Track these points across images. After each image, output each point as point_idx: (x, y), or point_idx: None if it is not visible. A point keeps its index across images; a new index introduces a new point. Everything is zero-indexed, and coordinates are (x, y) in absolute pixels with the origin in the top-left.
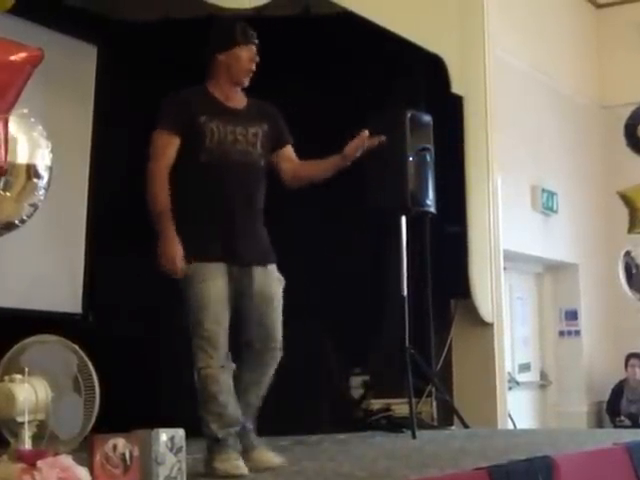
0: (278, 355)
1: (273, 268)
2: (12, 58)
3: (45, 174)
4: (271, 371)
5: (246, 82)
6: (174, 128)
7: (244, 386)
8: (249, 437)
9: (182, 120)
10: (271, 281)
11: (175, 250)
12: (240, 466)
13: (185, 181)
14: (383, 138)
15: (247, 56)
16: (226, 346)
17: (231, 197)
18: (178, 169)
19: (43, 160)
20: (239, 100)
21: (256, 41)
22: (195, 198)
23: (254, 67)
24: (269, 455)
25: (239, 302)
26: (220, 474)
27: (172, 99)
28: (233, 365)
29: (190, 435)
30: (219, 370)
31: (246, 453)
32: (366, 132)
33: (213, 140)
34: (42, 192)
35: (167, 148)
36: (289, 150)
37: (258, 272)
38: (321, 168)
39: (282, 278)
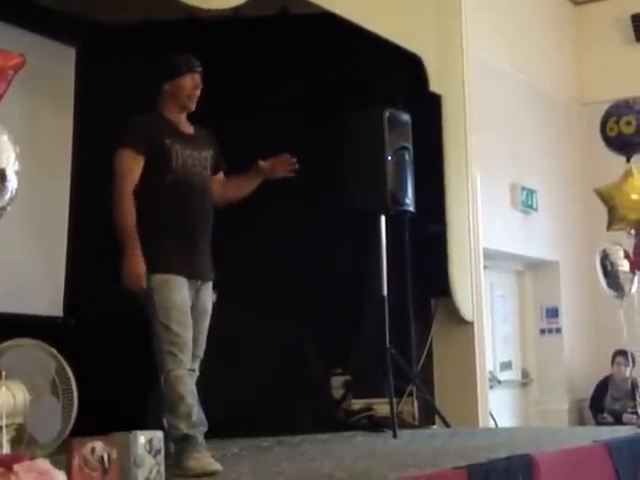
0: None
1: (210, 284)
2: None
3: (13, 179)
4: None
5: (192, 107)
6: (140, 148)
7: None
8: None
9: (148, 141)
10: (209, 297)
11: (139, 268)
12: (214, 462)
13: (150, 199)
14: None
15: (191, 84)
16: (191, 351)
17: (192, 216)
18: (143, 188)
19: (10, 165)
20: (187, 126)
21: (199, 69)
22: (160, 215)
23: (198, 93)
24: (206, 462)
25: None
26: (196, 472)
27: (136, 120)
28: (197, 372)
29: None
30: (186, 372)
31: (184, 460)
32: (287, 156)
33: (178, 162)
34: (9, 196)
35: (134, 168)
36: (221, 174)
37: (206, 287)
38: (241, 187)
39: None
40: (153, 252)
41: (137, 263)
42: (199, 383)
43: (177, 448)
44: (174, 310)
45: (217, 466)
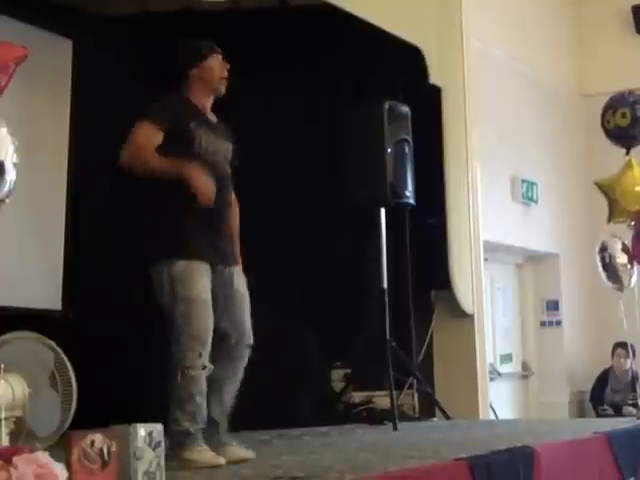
0: (248, 351)
1: (241, 269)
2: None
3: (11, 171)
4: (243, 367)
5: (223, 90)
6: (161, 125)
7: (219, 383)
8: (220, 434)
9: (172, 121)
10: (243, 281)
11: (207, 179)
12: (217, 456)
13: (172, 184)
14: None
15: (220, 66)
16: (210, 344)
17: (215, 205)
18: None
19: (8, 157)
20: (212, 114)
21: (220, 51)
22: (181, 200)
23: (226, 74)
24: (239, 450)
25: (218, 300)
26: (199, 465)
27: (164, 99)
28: (212, 367)
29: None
30: (202, 371)
31: (216, 450)
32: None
33: (201, 147)
34: (7, 189)
35: (151, 140)
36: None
37: (236, 271)
38: None
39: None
40: (174, 237)
41: (200, 174)
42: None
43: (177, 441)
44: (196, 301)
45: (221, 460)
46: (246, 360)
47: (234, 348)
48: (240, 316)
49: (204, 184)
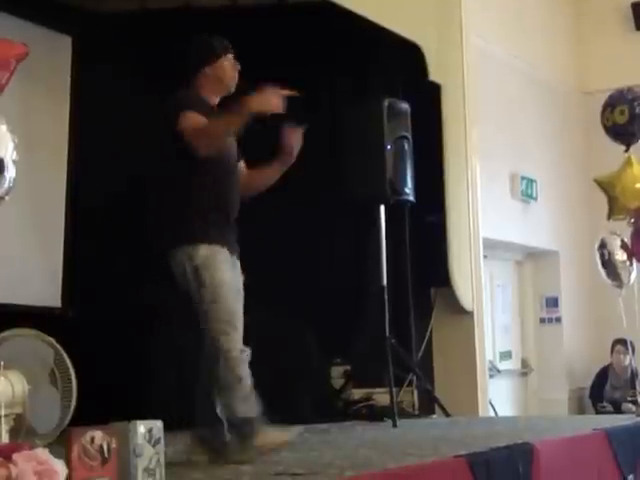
0: None
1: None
2: (1, 55)
3: (11, 168)
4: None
5: (233, 90)
6: (201, 112)
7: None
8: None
9: (200, 111)
10: (240, 274)
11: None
12: (281, 434)
13: (193, 175)
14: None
15: (231, 66)
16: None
17: (230, 195)
18: (188, 163)
19: (8, 154)
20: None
21: (232, 50)
22: (203, 191)
23: (237, 74)
24: (273, 434)
25: None
26: (269, 447)
27: (189, 94)
28: (249, 351)
29: (170, 427)
30: (242, 354)
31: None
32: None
33: None
34: (7, 186)
35: (200, 120)
36: (243, 165)
37: (238, 265)
38: (265, 176)
39: None
40: (198, 223)
41: (254, 97)
42: None
43: (238, 432)
44: (224, 286)
45: (285, 435)
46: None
47: None
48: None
49: (264, 99)
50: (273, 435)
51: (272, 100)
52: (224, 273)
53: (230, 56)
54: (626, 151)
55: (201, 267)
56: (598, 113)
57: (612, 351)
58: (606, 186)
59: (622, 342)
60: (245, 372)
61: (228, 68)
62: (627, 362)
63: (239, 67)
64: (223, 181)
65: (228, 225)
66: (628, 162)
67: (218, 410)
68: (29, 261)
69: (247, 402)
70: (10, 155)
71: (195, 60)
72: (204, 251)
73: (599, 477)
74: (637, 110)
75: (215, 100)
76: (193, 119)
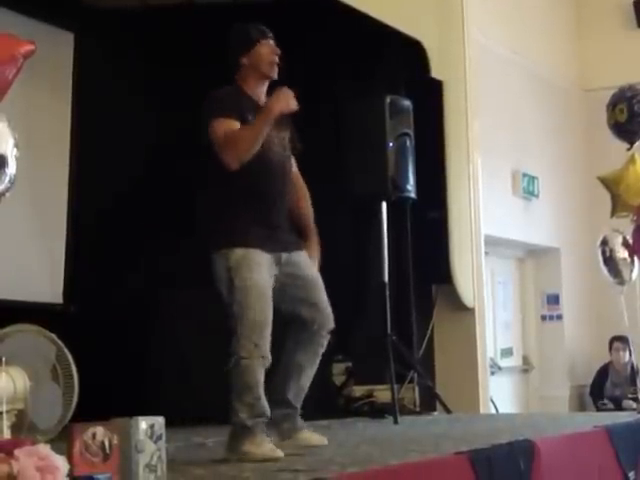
0: (329, 337)
1: (303, 253)
2: (9, 52)
3: (12, 165)
4: (322, 352)
5: (274, 74)
6: (233, 117)
7: (299, 368)
8: (295, 417)
9: (237, 113)
10: (307, 264)
11: (279, 95)
12: (276, 449)
13: (228, 176)
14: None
15: (268, 50)
16: (269, 335)
17: (270, 194)
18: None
19: (9, 151)
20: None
21: (271, 34)
22: (237, 193)
23: (277, 59)
24: (313, 435)
25: (289, 289)
26: (256, 458)
27: (223, 93)
28: (270, 358)
29: (171, 424)
30: (258, 361)
31: (292, 433)
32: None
33: None
34: (7, 182)
35: (233, 126)
36: (293, 159)
37: (302, 256)
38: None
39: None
40: (231, 226)
41: (274, 101)
42: (203, 371)
43: (235, 433)
44: (254, 291)
45: (280, 453)
46: (325, 345)
47: (317, 333)
48: (318, 299)
49: (280, 100)
50: (313, 436)
51: (289, 100)
52: (256, 278)
53: (267, 41)
54: (629, 149)
55: (234, 270)
56: (599, 110)
57: (610, 348)
58: (609, 183)
59: (620, 339)
60: (254, 380)
61: (265, 54)
62: (626, 359)
63: (279, 51)
64: (264, 183)
65: (268, 225)
66: (631, 160)
67: (290, 397)
68: (31, 257)
69: (251, 410)
70: (11, 151)
71: (232, 52)
72: (239, 254)
73: (600, 474)
74: (636, 108)
75: (260, 90)
76: (221, 129)
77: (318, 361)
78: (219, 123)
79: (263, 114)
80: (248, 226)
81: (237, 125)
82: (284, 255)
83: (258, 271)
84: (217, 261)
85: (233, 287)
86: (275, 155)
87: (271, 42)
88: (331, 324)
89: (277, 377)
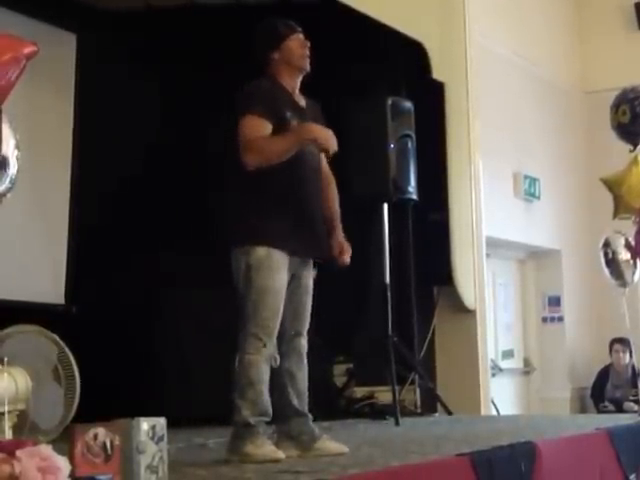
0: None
1: (311, 263)
2: (12, 53)
3: (13, 165)
4: (305, 354)
5: (307, 66)
6: (266, 115)
7: (289, 374)
8: (311, 426)
9: (273, 109)
10: (310, 275)
11: (321, 127)
12: (277, 451)
13: (258, 175)
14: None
15: (298, 44)
16: (276, 336)
17: (302, 195)
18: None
19: (10, 151)
20: (301, 98)
21: (299, 28)
22: (268, 191)
23: (308, 51)
24: (332, 444)
25: (292, 294)
26: (257, 459)
27: (259, 87)
28: (278, 358)
29: (173, 424)
30: (264, 359)
31: (311, 442)
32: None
33: None
34: (8, 182)
35: (262, 130)
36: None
37: (308, 266)
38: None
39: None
40: (257, 224)
41: (314, 127)
42: (205, 372)
43: (237, 433)
44: (269, 292)
45: (281, 455)
46: (306, 346)
47: (293, 339)
48: (304, 309)
49: (323, 132)
50: (332, 445)
51: (331, 140)
52: (274, 279)
53: (296, 36)
54: (632, 150)
55: (253, 268)
56: (600, 112)
57: (611, 350)
58: (612, 185)
59: (620, 341)
60: (258, 377)
61: (295, 48)
62: (626, 360)
63: (308, 44)
64: (295, 185)
65: (295, 226)
66: (634, 161)
67: (295, 403)
68: (33, 258)
69: (253, 407)
70: (12, 152)
71: (260, 48)
72: (261, 252)
73: (601, 476)
74: (638, 109)
75: (294, 84)
76: (252, 130)
77: (306, 362)
78: (250, 121)
79: (299, 134)
80: (274, 226)
81: (268, 127)
82: (299, 260)
83: (277, 273)
84: (238, 257)
85: (250, 285)
86: (307, 155)
87: (300, 36)
88: (307, 326)
89: (273, 389)
